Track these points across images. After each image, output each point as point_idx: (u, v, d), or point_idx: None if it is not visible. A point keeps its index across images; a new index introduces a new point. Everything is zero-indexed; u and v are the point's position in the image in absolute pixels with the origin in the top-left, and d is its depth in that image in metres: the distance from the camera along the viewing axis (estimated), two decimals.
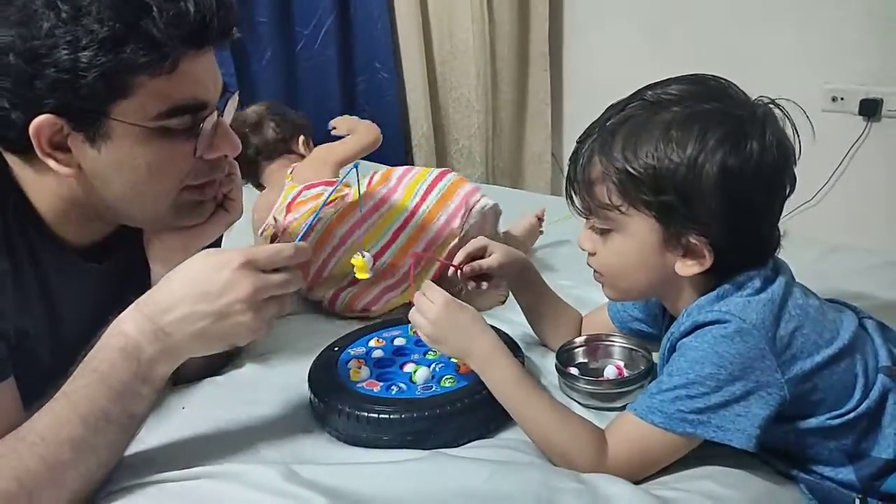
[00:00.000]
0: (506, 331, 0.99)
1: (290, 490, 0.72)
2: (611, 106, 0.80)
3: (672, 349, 0.79)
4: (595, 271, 0.86)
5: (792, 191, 0.78)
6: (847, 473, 0.76)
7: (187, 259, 0.76)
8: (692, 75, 0.79)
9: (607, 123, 0.78)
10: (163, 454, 0.82)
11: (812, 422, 0.76)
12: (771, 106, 0.77)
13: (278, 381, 0.97)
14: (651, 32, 2.36)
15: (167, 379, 0.77)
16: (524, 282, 1.03)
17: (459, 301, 0.86)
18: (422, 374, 0.89)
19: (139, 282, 0.82)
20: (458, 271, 1.00)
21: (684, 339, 0.77)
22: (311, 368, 0.93)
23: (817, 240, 1.43)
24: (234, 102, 0.86)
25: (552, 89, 2.59)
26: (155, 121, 0.76)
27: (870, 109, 2.02)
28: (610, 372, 0.95)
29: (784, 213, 0.81)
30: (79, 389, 0.71)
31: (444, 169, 1.30)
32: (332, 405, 0.85)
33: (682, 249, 0.77)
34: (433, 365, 0.91)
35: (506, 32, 2.53)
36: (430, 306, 0.85)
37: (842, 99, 2.06)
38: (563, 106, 2.64)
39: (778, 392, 0.73)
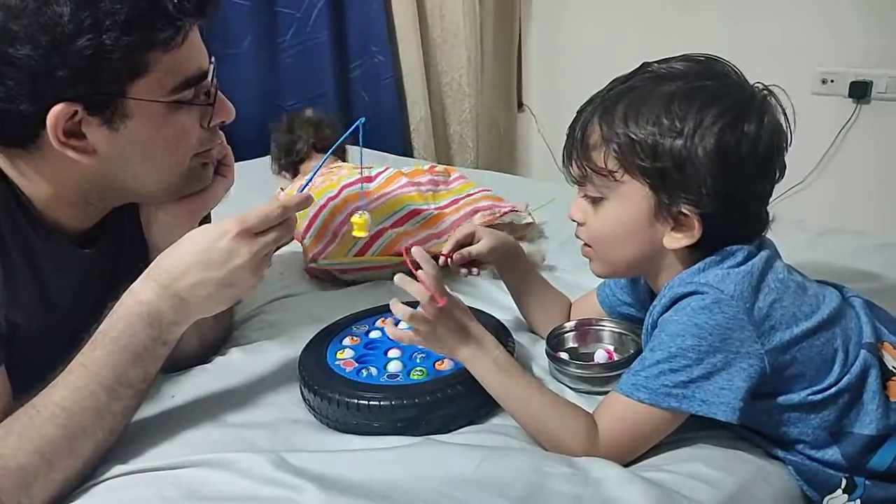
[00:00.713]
0: (497, 317, 0.99)
1: (279, 478, 0.72)
2: (615, 79, 0.82)
3: (654, 326, 0.80)
4: (584, 245, 0.86)
5: (781, 176, 0.80)
6: (833, 453, 0.77)
7: (192, 228, 0.82)
8: (697, 54, 0.80)
9: (610, 93, 0.80)
10: (153, 442, 0.82)
11: (794, 398, 0.76)
12: (766, 93, 0.79)
13: (269, 369, 0.97)
14: (643, 16, 2.35)
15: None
16: (513, 267, 1.03)
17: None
18: (394, 366, 0.89)
19: (129, 264, 0.85)
20: (448, 259, 1.00)
21: (665, 315, 0.78)
22: (301, 355, 0.93)
23: (807, 223, 1.44)
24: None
25: (544, 75, 2.58)
26: (170, 95, 0.79)
27: (859, 92, 2.02)
28: (600, 356, 0.95)
29: (774, 196, 0.82)
30: (99, 359, 0.75)
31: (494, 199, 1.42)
32: (323, 392, 0.85)
33: (672, 222, 0.78)
34: (415, 354, 0.91)
35: (493, 15, 2.50)
36: (420, 312, 0.81)
37: (832, 81, 2.06)
38: (556, 93, 2.63)
39: (758, 363, 0.73)
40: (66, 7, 0.69)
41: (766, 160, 0.77)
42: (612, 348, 0.98)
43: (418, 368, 0.88)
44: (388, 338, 0.94)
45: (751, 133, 0.75)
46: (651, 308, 0.82)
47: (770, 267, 0.78)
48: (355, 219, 0.91)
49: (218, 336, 1.04)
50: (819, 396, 0.76)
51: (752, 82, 0.79)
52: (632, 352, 0.93)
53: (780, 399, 0.77)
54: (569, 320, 1.03)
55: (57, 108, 0.72)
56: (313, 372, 0.89)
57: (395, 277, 0.82)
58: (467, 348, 0.82)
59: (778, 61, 2.11)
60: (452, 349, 0.82)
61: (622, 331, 0.99)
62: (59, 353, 0.78)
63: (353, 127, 0.86)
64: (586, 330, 1.01)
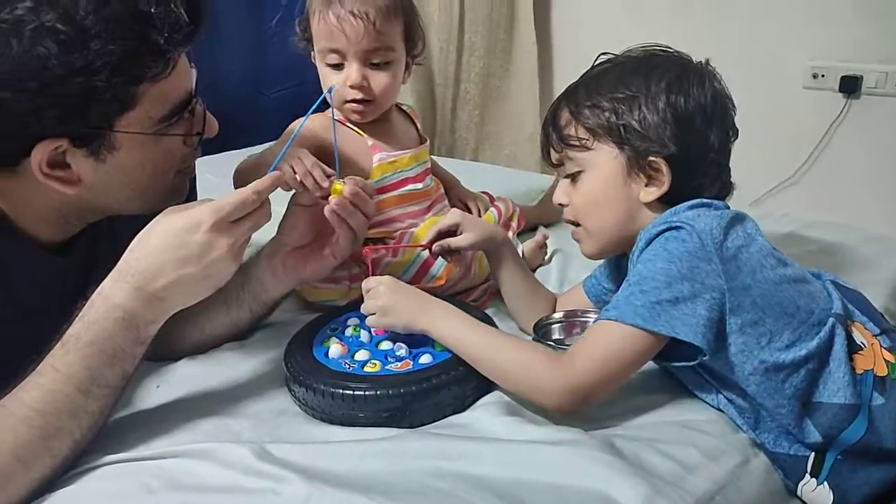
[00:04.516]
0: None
1: (262, 468, 0.72)
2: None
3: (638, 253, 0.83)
4: (572, 225, 0.92)
5: (735, 138, 0.89)
6: (808, 428, 0.78)
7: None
8: (646, 44, 0.91)
9: (572, 84, 0.91)
10: (136, 432, 0.81)
11: (764, 355, 0.78)
12: (706, 64, 0.89)
13: (255, 360, 0.97)
14: (635, 9, 2.34)
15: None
16: (500, 259, 1.03)
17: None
18: (379, 357, 0.88)
19: (105, 271, 0.81)
20: (428, 249, 0.99)
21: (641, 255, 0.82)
22: (287, 346, 0.93)
23: (795, 216, 1.44)
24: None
25: (540, 68, 2.56)
26: (158, 123, 0.78)
27: (850, 86, 2.02)
28: None
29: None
30: (73, 363, 0.72)
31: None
32: (308, 383, 0.84)
33: (644, 177, 0.85)
34: (398, 345, 0.90)
35: (481, 5, 2.48)
36: (375, 284, 0.88)
37: (822, 76, 2.07)
38: (552, 85, 2.62)
39: (720, 297, 0.77)
40: (54, 49, 0.67)
41: (713, 112, 0.85)
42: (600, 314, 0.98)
43: (403, 359, 0.87)
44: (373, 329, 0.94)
45: (694, 90, 0.85)
46: (630, 257, 0.86)
47: (741, 220, 0.83)
48: (337, 185, 0.90)
49: (229, 331, 1.01)
50: (789, 355, 0.78)
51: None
52: None
53: (753, 357, 0.78)
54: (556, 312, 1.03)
55: (42, 145, 0.72)
56: (299, 363, 0.88)
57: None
58: (427, 315, 0.85)
59: (769, 56, 2.12)
60: (413, 318, 0.85)
61: None
62: (29, 358, 0.75)
63: (323, 95, 0.87)
64: (573, 322, 1.01)
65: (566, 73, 2.53)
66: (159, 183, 0.83)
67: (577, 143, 0.87)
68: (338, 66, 1.06)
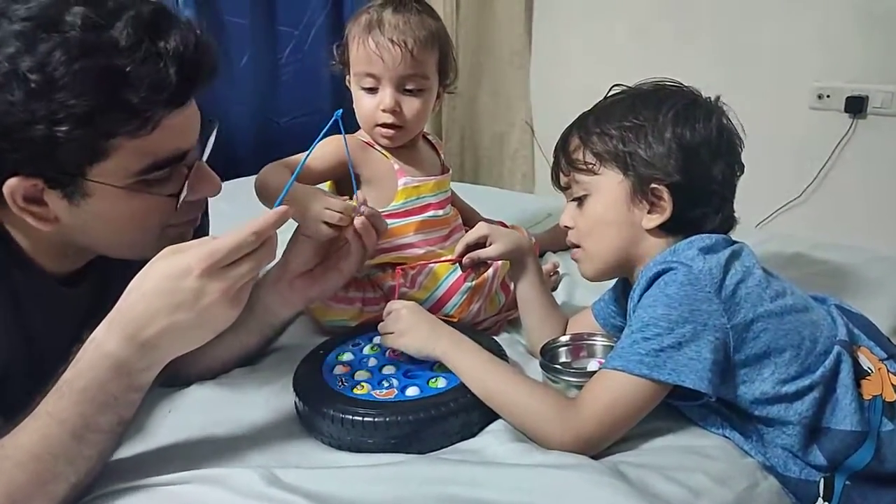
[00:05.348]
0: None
1: (271, 494, 0.73)
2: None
3: (635, 310, 0.84)
4: (574, 247, 0.95)
5: (741, 173, 0.90)
6: (815, 454, 0.78)
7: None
8: (660, 78, 0.93)
9: (584, 112, 0.94)
10: (148, 458, 0.82)
11: (766, 387, 0.78)
12: (715, 100, 0.91)
13: (264, 385, 0.97)
14: (637, 31, 2.36)
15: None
16: (523, 269, 1.04)
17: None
18: (389, 383, 0.89)
19: (112, 304, 0.80)
20: (459, 264, 1.00)
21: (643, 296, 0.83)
22: (296, 371, 0.93)
23: (800, 236, 1.44)
24: (213, 135, 0.84)
25: (531, 87, 2.58)
26: (136, 176, 0.75)
27: (856, 107, 2.03)
28: (594, 367, 0.95)
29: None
30: (66, 409, 0.70)
31: None
32: (317, 408, 0.85)
33: (647, 204, 0.87)
34: (409, 371, 0.91)
35: (472, 27, 2.50)
36: (398, 307, 0.91)
37: (828, 96, 2.07)
38: (544, 103, 2.63)
39: (723, 336, 0.77)
40: (20, 96, 0.67)
41: (719, 146, 0.87)
42: (605, 361, 0.98)
43: (413, 386, 0.88)
44: (384, 355, 0.95)
45: (700, 123, 0.87)
46: (631, 294, 0.87)
47: (738, 254, 0.84)
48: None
49: (238, 355, 1.00)
50: (793, 387, 0.78)
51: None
52: None
53: (754, 388, 0.79)
54: (565, 334, 1.04)
55: (13, 181, 0.71)
56: (308, 387, 0.89)
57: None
58: (442, 341, 0.87)
59: (774, 76, 2.13)
60: (429, 344, 0.87)
61: (615, 344, 0.99)
62: (41, 383, 0.74)
63: (332, 120, 0.86)
64: (580, 345, 1.01)
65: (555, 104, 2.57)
66: (143, 235, 0.80)
67: (584, 168, 0.90)
68: (372, 90, 1.09)
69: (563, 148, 0.93)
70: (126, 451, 0.82)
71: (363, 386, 0.88)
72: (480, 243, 1.02)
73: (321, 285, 0.97)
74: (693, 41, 2.24)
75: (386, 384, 0.89)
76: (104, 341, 0.72)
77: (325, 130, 0.87)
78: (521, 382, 0.84)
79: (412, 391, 0.87)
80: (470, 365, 0.85)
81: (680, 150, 0.85)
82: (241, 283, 0.73)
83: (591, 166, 0.89)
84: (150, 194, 0.77)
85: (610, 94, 0.94)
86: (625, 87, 0.94)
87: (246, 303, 0.75)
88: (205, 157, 0.84)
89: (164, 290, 0.70)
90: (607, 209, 0.89)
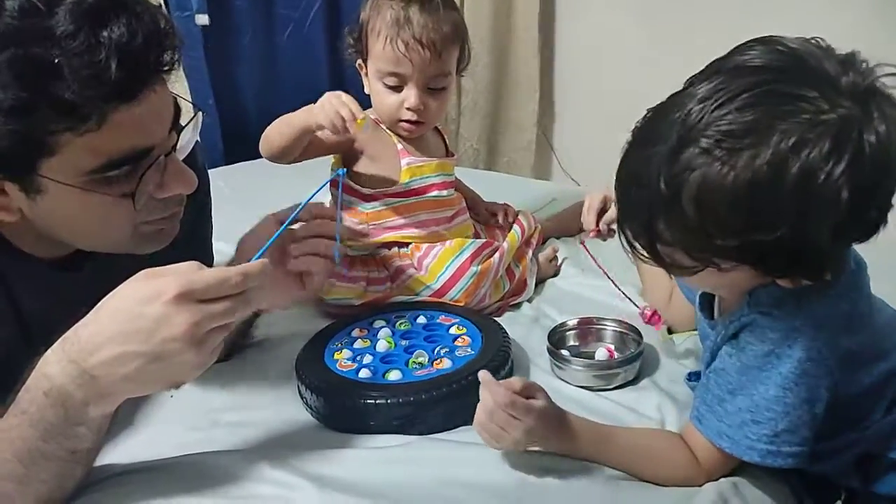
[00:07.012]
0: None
1: (275, 476, 0.72)
2: (645, 134, 0.67)
3: (730, 336, 0.75)
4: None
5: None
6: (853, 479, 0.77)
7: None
8: (762, 90, 0.62)
9: (662, 178, 0.62)
10: (151, 441, 0.82)
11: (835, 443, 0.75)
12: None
13: (267, 368, 0.97)
14: (645, 17, 2.34)
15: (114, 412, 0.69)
16: None
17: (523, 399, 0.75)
18: (391, 364, 0.88)
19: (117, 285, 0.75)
20: (597, 233, 0.97)
21: (745, 336, 0.72)
22: (298, 354, 0.93)
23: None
24: (197, 124, 0.79)
25: (541, 73, 2.56)
26: (89, 175, 0.69)
27: None
28: (601, 355, 0.95)
29: None
30: (11, 429, 0.65)
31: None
32: (320, 390, 0.84)
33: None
34: (411, 355, 0.90)
35: (486, 14, 2.48)
36: (528, 407, 0.74)
37: None
38: (553, 90, 2.62)
39: (833, 390, 0.70)
40: None
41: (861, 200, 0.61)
42: (612, 347, 0.97)
43: (416, 364, 0.88)
44: (384, 338, 0.95)
45: (840, 180, 0.58)
46: (727, 319, 0.75)
47: (856, 300, 0.72)
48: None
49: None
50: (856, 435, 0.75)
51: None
52: (632, 351, 0.93)
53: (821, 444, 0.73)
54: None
55: None
56: (311, 370, 0.89)
57: (481, 374, 0.76)
58: (566, 438, 0.76)
59: None
60: (557, 445, 0.76)
61: (623, 330, 0.99)
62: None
63: (330, 178, 0.87)
64: (587, 329, 1.01)
65: (566, 81, 2.53)
66: (111, 233, 0.75)
67: (689, 271, 0.69)
68: (396, 88, 1.08)
69: (647, 237, 0.69)
70: (129, 436, 0.82)
71: (366, 370, 0.88)
72: (604, 207, 0.97)
73: (291, 294, 0.88)
74: (703, 25, 2.20)
75: (389, 366, 0.88)
76: (48, 360, 0.65)
77: (318, 190, 0.84)
78: (641, 449, 0.77)
79: (417, 373, 0.86)
80: (597, 451, 0.77)
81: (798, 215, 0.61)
82: (211, 326, 0.63)
83: (694, 269, 0.69)
84: (108, 191, 0.70)
85: (695, 147, 0.61)
86: (714, 136, 0.61)
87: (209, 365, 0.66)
88: (180, 152, 0.77)
89: (124, 313, 0.62)
90: (721, 283, 0.73)
